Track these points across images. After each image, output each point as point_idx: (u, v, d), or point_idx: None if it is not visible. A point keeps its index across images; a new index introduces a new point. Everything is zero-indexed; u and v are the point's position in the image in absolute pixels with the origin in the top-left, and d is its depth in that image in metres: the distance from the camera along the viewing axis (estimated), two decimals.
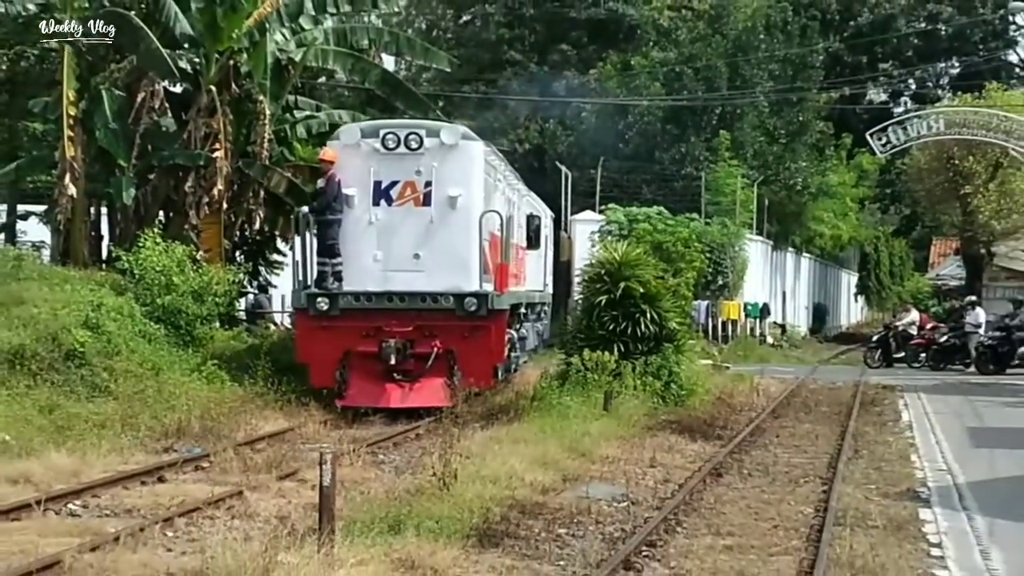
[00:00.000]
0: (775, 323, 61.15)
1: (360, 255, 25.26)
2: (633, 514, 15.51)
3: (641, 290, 26.52)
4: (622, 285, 26.40)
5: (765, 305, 57.81)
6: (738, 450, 21.58)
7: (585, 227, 48.57)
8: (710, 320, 49.20)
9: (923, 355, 44.13)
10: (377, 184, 25.25)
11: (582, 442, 20.11)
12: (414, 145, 25.18)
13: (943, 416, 27.61)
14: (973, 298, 46.81)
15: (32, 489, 15.89)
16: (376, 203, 25.25)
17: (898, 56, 79.30)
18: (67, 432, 20.06)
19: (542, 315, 37.09)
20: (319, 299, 24.90)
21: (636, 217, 47.31)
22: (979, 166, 54.71)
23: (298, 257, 26.06)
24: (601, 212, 50.27)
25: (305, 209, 25.95)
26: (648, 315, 26.37)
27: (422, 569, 11.83)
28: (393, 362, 24.52)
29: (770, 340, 56.37)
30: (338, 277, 25.16)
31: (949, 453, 21.84)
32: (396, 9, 51.09)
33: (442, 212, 25.16)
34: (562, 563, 12.79)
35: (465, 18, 68.53)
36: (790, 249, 69.14)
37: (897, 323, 47.09)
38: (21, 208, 38.24)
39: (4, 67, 34.67)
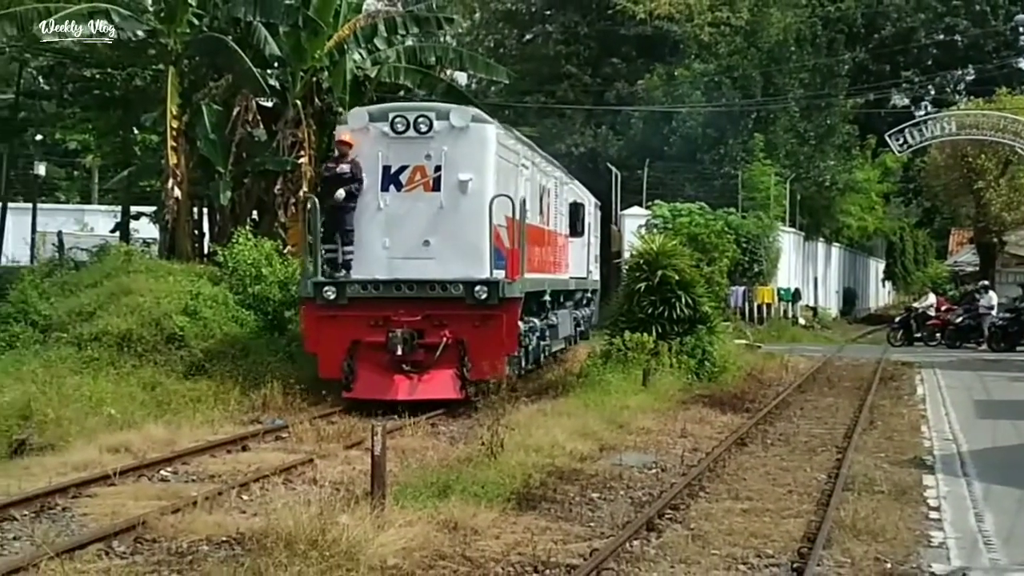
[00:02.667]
0: (807, 306, 60.85)
1: (368, 242, 22.14)
2: (661, 480, 15.37)
3: (677, 277, 26.36)
4: (659, 273, 26.23)
5: (797, 290, 57.63)
6: (763, 421, 21.36)
7: (633, 221, 48.64)
8: (746, 304, 49.12)
9: (940, 335, 43.84)
10: (386, 169, 22.13)
11: (621, 415, 19.98)
12: (424, 128, 21.98)
13: (954, 390, 27.28)
14: (986, 282, 46.66)
15: (130, 457, 15.97)
16: (385, 188, 22.10)
17: (918, 64, 78.48)
18: (165, 407, 20.19)
19: (585, 301, 34.62)
20: (326, 288, 21.80)
21: (679, 212, 47.37)
22: (991, 163, 54.39)
23: (310, 243, 22.84)
24: (647, 208, 50.41)
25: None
26: (683, 300, 26.21)
27: (463, 530, 11.76)
28: (400, 353, 21.28)
29: (802, 322, 56.12)
30: (348, 266, 22.15)
31: (956, 424, 21.54)
32: (460, 30, 51.25)
33: (452, 197, 21.94)
34: (592, 524, 12.67)
35: (527, 36, 68.58)
36: (820, 239, 68.80)
37: (917, 306, 46.80)
38: (134, 209, 38.49)
39: (118, 85, 34.94)
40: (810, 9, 68.71)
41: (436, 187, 21.96)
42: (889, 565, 11.31)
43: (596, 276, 37.36)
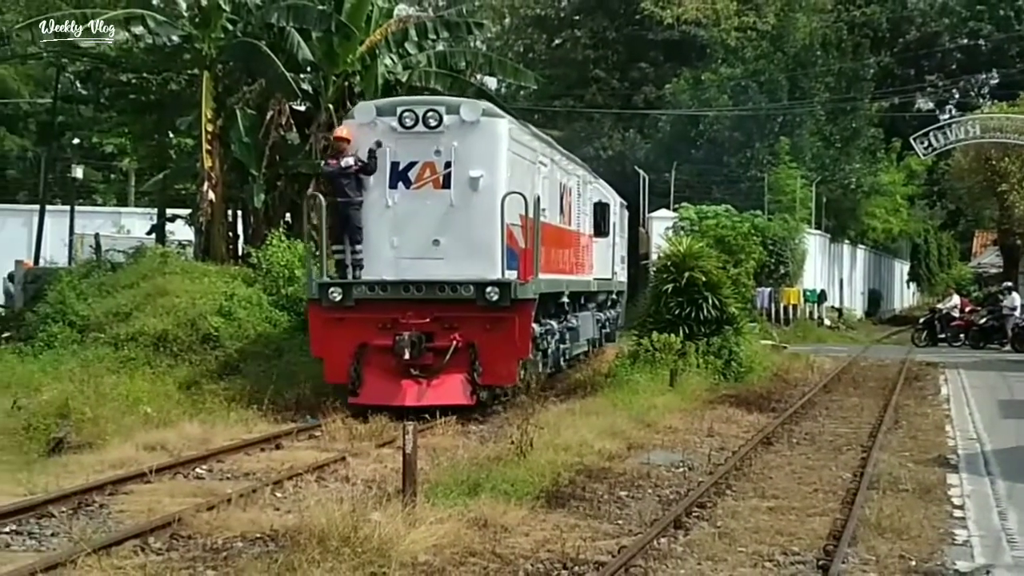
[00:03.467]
0: (832, 307, 60.74)
1: (376, 242, 20.90)
2: (688, 478, 15.33)
3: (703, 279, 26.34)
4: (686, 274, 26.22)
5: (823, 291, 57.56)
6: (789, 421, 21.28)
7: (660, 223, 48.63)
8: (772, 305, 49.08)
9: (963, 335, 43.70)
10: (394, 166, 20.80)
11: (648, 414, 19.95)
12: (433, 123, 20.66)
13: (978, 390, 27.15)
14: (1009, 284, 46.41)
15: (166, 455, 16.03)
16: (393, 186, 20.77)
17: (943, 68, 78.37)
18: (200, 406, 20.25)
19: (610, 303, 33.50)
20: (331, 289, 20.54)
21: (706, 214, 47.37)
22: (1014, 166, 54.02)
23: (314, 242, 22.01)
24: (675, 210, 50.41)
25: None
26: (710, 301, 26.19)
27: (493, 527, 11.76)
28: (408, 357, 19.99)
29: (827, 323, 56.02)
30: (359, 266, 20.93)
31: (980, 423, 21.47)
32: (489, 35, 51.31)
33: (463, 195, 20.61)
34: (620, 522, 12.65)
35: (556, 41, 68.66)
36: (846, 242, 68.64)
37: (941, 307, 46.62)
38: (169, 212, 38.61)
39: (154, 90, 35.06)
40: (836, 14, 68.79)
41: (446, 184, 20.71)
42: (914, 562, 11.27)
43: (622, 277, 36.29)
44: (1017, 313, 42.12)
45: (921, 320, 48.06)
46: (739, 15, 63.10)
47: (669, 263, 26.96)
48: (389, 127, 20.85)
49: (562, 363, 25.42)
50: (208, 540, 11.37)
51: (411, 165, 20.83)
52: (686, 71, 60.77)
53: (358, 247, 20.94)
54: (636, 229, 46.43)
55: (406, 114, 20.81)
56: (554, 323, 23.91)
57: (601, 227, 29.33)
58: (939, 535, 12.35)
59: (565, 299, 24.72)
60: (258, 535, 11.53)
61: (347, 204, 20.86)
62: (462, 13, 34.97)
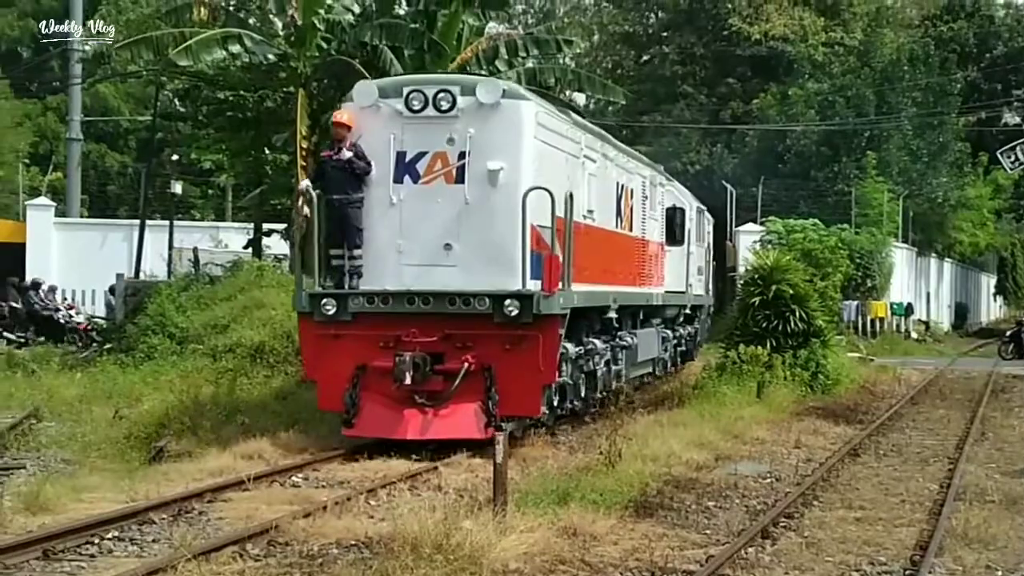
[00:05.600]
0: (919, 320, 60.28)
1: (378, 246, 17.47)
2: (775, 489, 15.28)
3: (791, 292, 26.23)
4: (773, 288, 26.14)
5: (909, 304, 57.20)
6: (876, 433, 21.16)
7: (748, 237, 48.52)
8: (859, 318, 48.85)
9: None
10: (400, 156, 17.32)
11: (735, 425, 19.89)
12: (445, 106, 17.16)
13: None
14: None
15: (263, 464, 16.14)
16: (399, 180, 17.30)
17: None
18: (296, 415, 20.31)
19: (682, 318, 30.18)
20: (324, 301, 17.28)
21: (793, 228, 47.21)
22: None
23: (300, 245, 18.24)
24: (762, 224, 50.27)
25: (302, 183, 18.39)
26: (797, 314, 26.07)
27: (582, 536, 11.76)
28: (409, 382, 16.67)
29: (914, 335, 55.65)
30: (358, 274, 17.54)
31: None
32: (578, 51, 51.41)
33: (480, 191, 17.12)
34: (708, 532, 12.63)
35: (644, 57, 68.58)
36: (933, 255, 68.04)
37: None
38: (265, 226, 38.96)
39: (250, 107, 35.42)
40: (923, 29, 68.23)
41: (460, 178, 17.21)
42: (1000, 573, 11.18)
43: (699, 290, 32.70)
44: None
45: (1008, 333, 47.51)
46: (826, 31, 62.80)
47: (756, 276, 26.86)
48: (394, 111, 17.43)
49: (613, 386, 21.57)
50: (304, 547, 11.46)
51: (420, 156, 17.37)
52: (773, 86, 60.48)
53: (356, 252, 17.57)
54: (724, 243, 46.28)
55: (413, 95, 17.33)
56: (597, 342, 20.26)
57: (675, 234, 26.73)
58: None
59: (612, 314, 21.11)
60: (352, 542, 11.61)
61: (344, 202, 17.46)
62: (552, 30, 35.12)
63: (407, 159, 17.33)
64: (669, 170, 33.85)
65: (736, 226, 51.76)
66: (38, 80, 71.71)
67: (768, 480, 15.97)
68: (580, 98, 44.40)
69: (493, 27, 37.98)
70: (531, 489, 13.59)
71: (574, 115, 21.14)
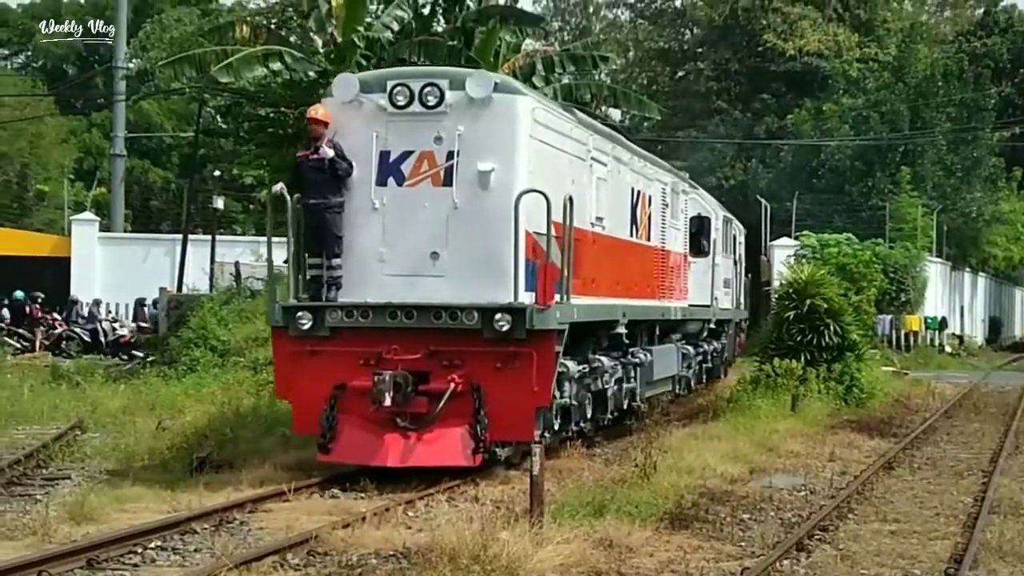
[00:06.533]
0: (953, 334, 60.05)
1: (359, 254, 15.92)
2: (810, 502, 15.20)
3: (825, 306, 26.15)
4: (808, 302, 26.05)
5: (944, 318, 57.05)
6: (911, 446, 21.05)
7: (782, 251, 48.47)
8: (893, 332, 48.71)
9: None
10: (383, 156, 15.76)
11: (770, 439, 19.83)
12: (432, 102, 15.62)
13: None
14: None
15: (303, 475, 16.12)
16: (382, 183, 15.75)
17: None
18: None
19: (708, 333, 28.15)
20: (299, 314, 15.72)
21: (827, 243, 47.17)
22: None
23: (285, 254, 16.74)
24: (796, 238, 50.24)
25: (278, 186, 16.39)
26: (831, 328, 25.98)
27: (618, 547, 11.75)
28: (389, 403, 15.10)
29: (948, 349, 55.44)
30: (336, 285, 15.96)
31: None
32: (614, 67, 51.42)
33: (470, 194, 15.57)
34: (743, 544, 12.58)
35: (679, 73, 68.80)
36: (967, 269, 67.78)
37: None
38: None
39: (291, 124, 35.53)
40: (957, 45, 68.14)
41: (448, 181, 15.65)
42: None
43: (726, 304, 30.67)
44: None
45: None
46: (860, 47, 62.80)
47: (791, 290, 26.81)
48: (377, 107, 15.88)
49: (624, 406, 20.28)
50: (343, 556, 11.48)
51: (404, 156, 15.82)
52: (808, 102, 60.46)
53: (335, 261, 15.98)
54: (758, 257, 46.21)
55: (398, 90, 15.78)
56: (605, 359, 18.69)
57: (700, 245, 25.35)
58: None
59: (621, 329, 19.35)
60: (391, 552, 11.61)
61: (322, 207, 15.88)
62: (588, 47, 34.97)
63: (391, 159, 15.85)
64: (703, 185, 33.65)
65: (771, 240, 51.70)
66: (83, 97, 72.32)
67: (803, 493, 15.90)
68: (616, 114, 44.47)
69: (530, 44, 37.94)
70: (567, 501, 13.58)
71: (580, 114, 19.57)
